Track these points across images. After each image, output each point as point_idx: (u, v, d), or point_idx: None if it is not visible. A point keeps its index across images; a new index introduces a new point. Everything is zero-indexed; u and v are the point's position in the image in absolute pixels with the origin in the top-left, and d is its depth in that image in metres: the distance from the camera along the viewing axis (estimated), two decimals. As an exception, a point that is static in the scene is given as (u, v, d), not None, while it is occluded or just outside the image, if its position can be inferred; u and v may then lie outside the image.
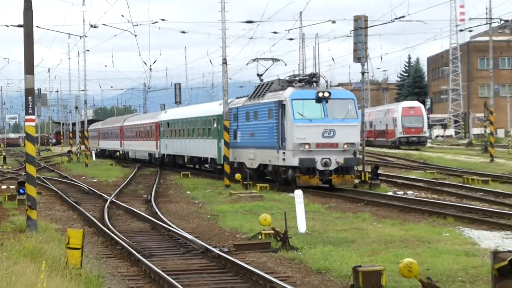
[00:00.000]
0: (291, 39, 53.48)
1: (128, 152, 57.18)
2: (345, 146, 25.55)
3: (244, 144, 31.54)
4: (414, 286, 11.36)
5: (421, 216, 20.74)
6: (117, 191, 30.24)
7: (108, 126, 68.84)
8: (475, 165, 40.19)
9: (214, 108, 36.93)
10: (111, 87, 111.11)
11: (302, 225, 17.92)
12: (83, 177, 41.65)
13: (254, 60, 34.35)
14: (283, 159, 26.40)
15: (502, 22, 48.32)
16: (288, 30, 47.34)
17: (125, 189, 32.90)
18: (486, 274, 11.67)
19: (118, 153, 62.78)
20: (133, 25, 38.13)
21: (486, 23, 48.79)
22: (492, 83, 51.52)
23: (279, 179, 28.46)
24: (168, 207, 25.28)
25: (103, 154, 68.59)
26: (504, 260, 9.63)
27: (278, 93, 27.99)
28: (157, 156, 46.52)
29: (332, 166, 25.13)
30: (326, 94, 25.68)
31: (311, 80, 28.06)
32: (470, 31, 62.08)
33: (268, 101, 28.62)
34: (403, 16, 32.70)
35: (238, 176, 30.14)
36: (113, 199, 26.21)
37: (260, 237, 16.90)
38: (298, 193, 18.67)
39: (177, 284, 11.47)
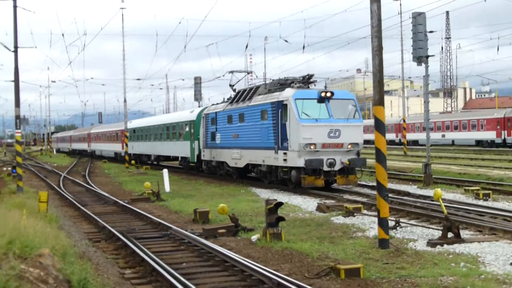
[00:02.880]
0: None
1: (94, 151, 73.12)
2: (350, 146, 24.04)
3: (226, 145, 30.89)
4: (226, 218, 16.40)
5: (230, 183, 30.40)
6: (67, 170, 46.55)
7: (77, 133, 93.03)
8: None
9: (186, 115, 40.30)
10: (64, 114, 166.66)
11: (167, 188, 27.36)
12: (48, 163, 63.43)
13: (230, 72, 34.17)
14: (284, 160, 24.34)
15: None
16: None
17: (72, 169, 49.44)
18: (263, 211, 15.98)
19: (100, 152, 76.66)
20: (75, 81, 70.14)
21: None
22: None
23: (273, 179, 27.06)
24: (95, 179, 37.93)
25: (73, 152, 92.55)
26: (271, 204, 14.05)
27: (273, 95, 26.20)
28: (123, 154, 54.29)
29: (337, 167, 23.44)
30: (329, 94, 24.12)
31: (308, 81, 26.51)
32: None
33: (261, 103, 26.95)
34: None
35: (133, 162, 47.50)
36: (65, 175, 39.44)
37: (144, 194, 25.14)
38: (165, 170, 28.57)
39: (100, 220, 17.69)
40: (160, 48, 71.08)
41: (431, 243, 13.43)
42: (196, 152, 35.79)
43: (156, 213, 19.80)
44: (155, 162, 49.48)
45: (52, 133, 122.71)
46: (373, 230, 15.06)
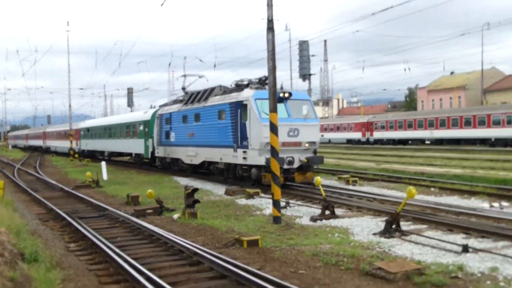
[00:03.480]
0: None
1: (49, 147, 68.65)
2: (307, 145, 20.55)
3: (181, 143, 27.17)
4: (153, 201, 16.15)
5: (156, 173, 30.01)
6: (21, 162, 44.39)
7: (34, 132, 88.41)
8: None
9: (141, 115, 36.20)
10: (18, 116, 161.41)
11: (105, 176, 26.72)
12: (5, 157, 58.58)
13: (183, 76, 30.81)
14: (244, 158, 20.46)
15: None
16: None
17: (25, 162, 47.16)
18: (182, 195, 15.69)
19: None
20: (28, 89, 75.65)
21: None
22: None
23: (230, 176, 22.65)
24: (44, 169, 36.03)
25: (30, 148, 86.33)
26: (189, 190, 14.26)
27: (231, 95, 22.12)
28: (77, 150, 50.93)
29: (295, 165, 19.96)
30: (287, 95, 20.59)
31: (264, 82, 21.90)
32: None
33: (218, 103, 22.94)
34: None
35: (76, 155, 45.53)
36: (19, 166, 37.66)
37: (86, 182, 24.30)
38: (103, 163, 28.12)
39: (48, 203, 17.22)
40: (99, 64, 69.42)
41: (313, 219, 13.70)
42: (150, 149, 32.23)
43: (95, 197, 19.22)
44: (107, 158, 45.75)
45: (8, 131, 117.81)
46: (269, 209, 15.13)
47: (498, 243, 10.33)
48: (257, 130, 19.73)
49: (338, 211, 14.58)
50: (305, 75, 29.09)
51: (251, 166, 20.55)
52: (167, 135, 29.06)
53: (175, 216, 14.43)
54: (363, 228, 12.45)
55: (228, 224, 13.14)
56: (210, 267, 8.84)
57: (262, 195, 18.63)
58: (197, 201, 14.47)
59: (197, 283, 8.17)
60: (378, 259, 9.17)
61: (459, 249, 9.73)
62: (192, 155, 25.86)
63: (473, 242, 10.52)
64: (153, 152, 32.21)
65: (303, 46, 37.37)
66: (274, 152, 13.47)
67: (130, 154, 39.01)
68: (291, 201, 17.05)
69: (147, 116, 33.90)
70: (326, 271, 8.68)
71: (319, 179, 14.63)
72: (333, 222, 13.34)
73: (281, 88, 21.35)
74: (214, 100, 23.73)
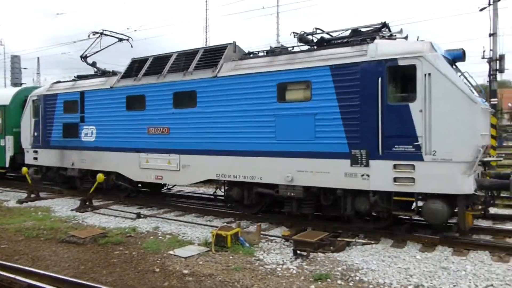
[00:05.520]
0: None
1: None
2: None
3: (122, 146, 14.54)
4: None
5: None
6: None
7: None
8: None
9: None
10: None
11: None
12: None
13: (96, 32, 16.47)
14: (405, 179, 8.99)
15: None
16: None
17: None
18: None
19: None
20: None
21: None
22: None
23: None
24: None
25: None
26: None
27: (339, 51, 10.25)
28: None
29: None
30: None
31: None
32: None
33: (305, 68, 10.45)
34: None
35: None
36: None
37: None
38: None
39: None
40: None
41: (20, 201, 14.27)
42: (10, 153, 18.64)
43: None
44: None
45: None
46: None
47: (161, 210, 12.89)
48: (465, 122, 8.49)
49: (42, 194, 15.41)
50: (16, 84, 34.40)
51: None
52: (71, 131, 15.75)
53: None
54: (63, 206, 13.53)
55: None
56: None
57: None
58: None
59: None
60: (72, 229, 10.35)
61: (134, 216, 11.92)
62: (168, 168, 12.69)
63: (144, 210, 12.89)
64: (15, 158, 18.59)
65: (15, 59, 45.13)
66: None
67: None
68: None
69: (5, 100, 19.30)
70: (28, 243, 9.45)
71: (25, 169, 15.14)
72: (38, 203, 14.07)
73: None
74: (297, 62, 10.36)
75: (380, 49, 9.19)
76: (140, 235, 10.05)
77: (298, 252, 8.16)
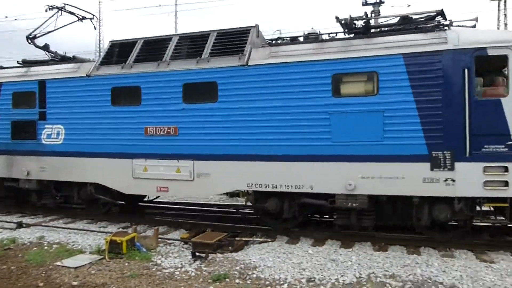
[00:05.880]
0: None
1: None
2: None
3: (102, 150, 11.99)
4: None
5: None
6: None
7: None
8: None
9: None
10: None
11: None
12: None
13: (54, 7, 12.71)
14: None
15: None
16: None
17: None
18: None
19: None
20: None
21: None
22: None
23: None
24: None
25: None
26: None
27: (418, 38, 9.01)
28: None
29: None
30: None
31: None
32: None
33: (369, 56, 9.06)
34: None
35: None
36: None
37: None
38: None
39: None
40: None
41: None
42: None
43: None
44: None
45: None
46: None
47: (47, 218, 11.89)
48: None
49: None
50: None
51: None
52: (24, 131, 11.96)
53: None
54: None
55: None
56: None
57: None
58: None
59: None
60: None
61: (14, 226, 10.82)
62: (177, 177, 10.12)
63: (27, 219, 11.77)
64: None
65: None
66: None
67: None
68: None
69: None
70: None
71: None
72: None
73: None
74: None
75: (464, 37, 8.05)
76: (21, 246, 9.15)
77: (197, 254, 8.00)
